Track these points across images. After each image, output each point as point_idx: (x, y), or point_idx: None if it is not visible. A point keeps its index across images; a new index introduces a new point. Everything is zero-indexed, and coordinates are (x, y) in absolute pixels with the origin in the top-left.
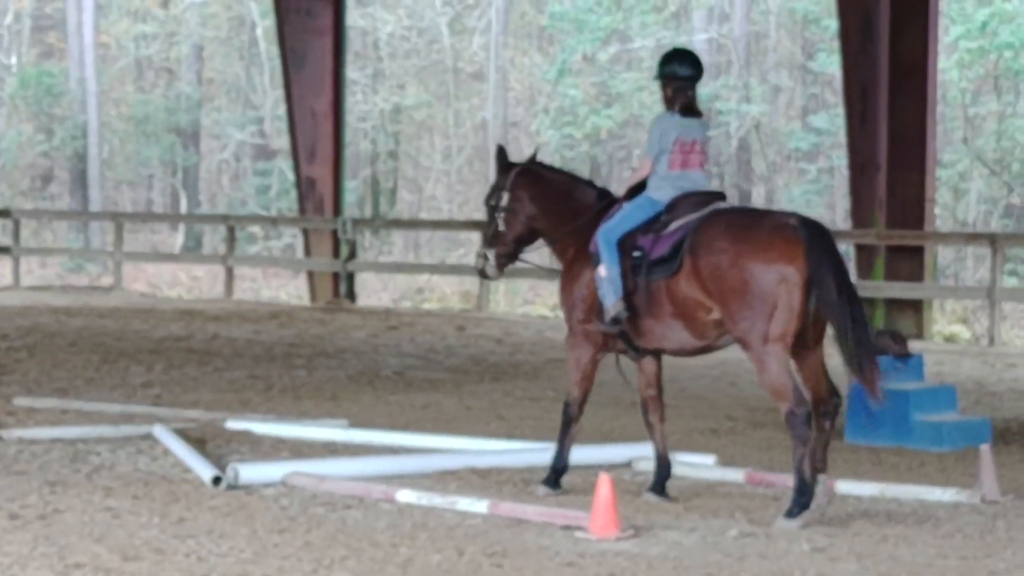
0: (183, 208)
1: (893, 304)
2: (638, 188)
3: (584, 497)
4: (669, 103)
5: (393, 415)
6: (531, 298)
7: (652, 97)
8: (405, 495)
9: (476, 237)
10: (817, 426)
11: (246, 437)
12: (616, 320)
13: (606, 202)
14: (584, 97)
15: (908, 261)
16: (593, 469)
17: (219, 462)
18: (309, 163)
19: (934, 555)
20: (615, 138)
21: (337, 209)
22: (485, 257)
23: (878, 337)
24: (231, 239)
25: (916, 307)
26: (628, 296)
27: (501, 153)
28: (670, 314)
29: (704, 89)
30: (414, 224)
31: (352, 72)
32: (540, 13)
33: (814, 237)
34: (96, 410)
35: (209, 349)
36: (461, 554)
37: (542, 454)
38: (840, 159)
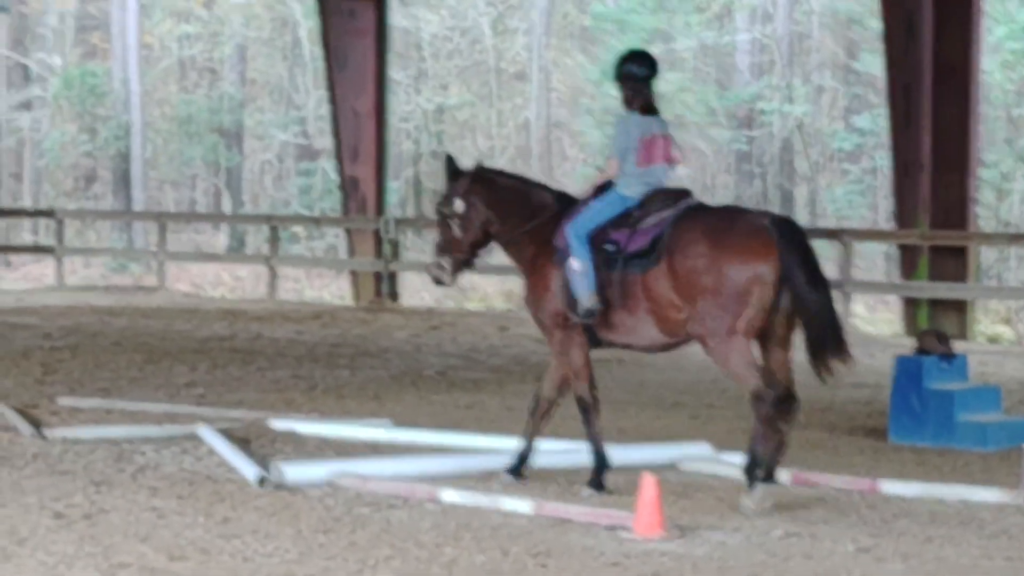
0: (226, 208)
1: (936, 304)
2: (602, 187)
3: (628, 497)
4: (628, 103)
5: (436, 415)
6: None
7: (695, 97)
8: (449, 495)
9: None
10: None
11: (290, 437)
12: (591, 312)
13: (566, 203)
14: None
15: (951, 262)
16: (637, 469)
17: (263, 462)
18: (352, 163)
19: (979, 556)
20: None
21: (380, 209)
22: (440, 266)
23: (923, 337)
24: (274, 239)
25: (959, 307)
26: (600, 289)
27: (450, 161)
28: (644, 309)
29: (748, 89)
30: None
31: (395, 72)
32: (583, 14)
33: (785, 235)
34: (140, 410)
35: (252, 349)
36: (505, 554)
37: (585, 454)
38: (883, 160)
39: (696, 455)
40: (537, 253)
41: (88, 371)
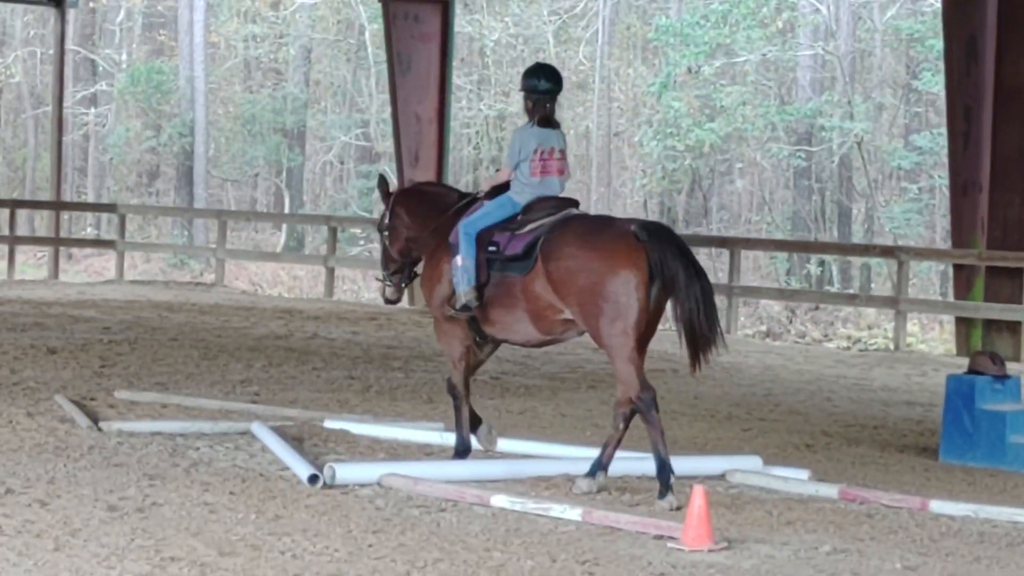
0: (286, 208)
1: (991, 325)
2: (501, 189)
3: (678, 508)
4: (530, 115)
5: (489, 420)
6: None
7: (755, 111)
8: (499, 500)
9: None
10: (616, 423)
11: (343, 437)
12: (466, 307)
13: (467, 200)
14: (688, 110)
15: (1008, 282)
16: (688, 480)
17: (316, 461)
18: (412, 167)
19: None
20: (718, 151)
21: None
22: (385, 282)
23: (976, 357)
24: (333, 240)
25: (1014, 329)
26: (481, 287)
27: (382, 181)
28: (522, 309)
29: (808, 105)
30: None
31: (458, 78)
32: (646, 25)
33: (652, 236)
34: (196, 405)
35: (308, 348)
36: (554, 560)
37: (636, 463)
38: (942, 179)
39: (746, 467)
40: (436, 247)
41: (145, 365)
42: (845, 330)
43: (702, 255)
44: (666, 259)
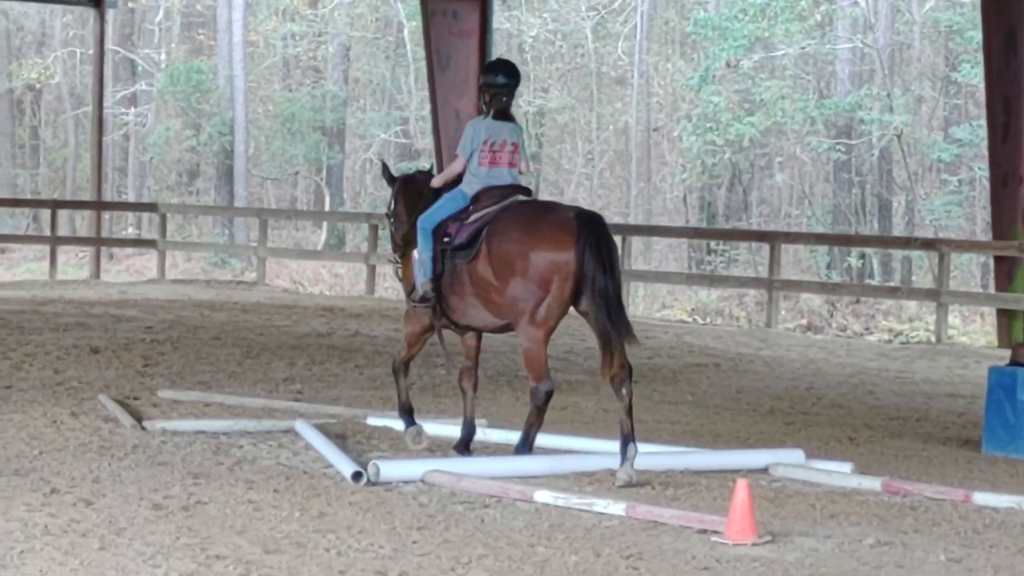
0: (327, 206)
1: None
2: (456, 181)
3: (721, 502)
4: (486, 107)
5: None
6: (670, 302)
7: (794, 105)
8: (543, 495)
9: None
10: (616, 396)
11: (386, 434)
12: (424, 298)
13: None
14: (727, 104)
15: None
16: (731, 474)
17: (360, 458)
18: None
19: None
20: (757, 145)
21: None
22: (395, 262)
23: (1018, 348)
24: (373, 237)
25: None
26: (437, 277)
27: (385, 169)
28: (471, 294)
29: (847, 98)
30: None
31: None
32: (684, 19)
33: (583, 227)
34: (239, 404)
35: (350, 346)
36: (598, 555)
37: (680, 457)
38: (982, 171)
39: (789, 461)
40: (411, 239)
41: (188, 364)
42: (886, 323)
43: (742, 249)
44: (588, 257)
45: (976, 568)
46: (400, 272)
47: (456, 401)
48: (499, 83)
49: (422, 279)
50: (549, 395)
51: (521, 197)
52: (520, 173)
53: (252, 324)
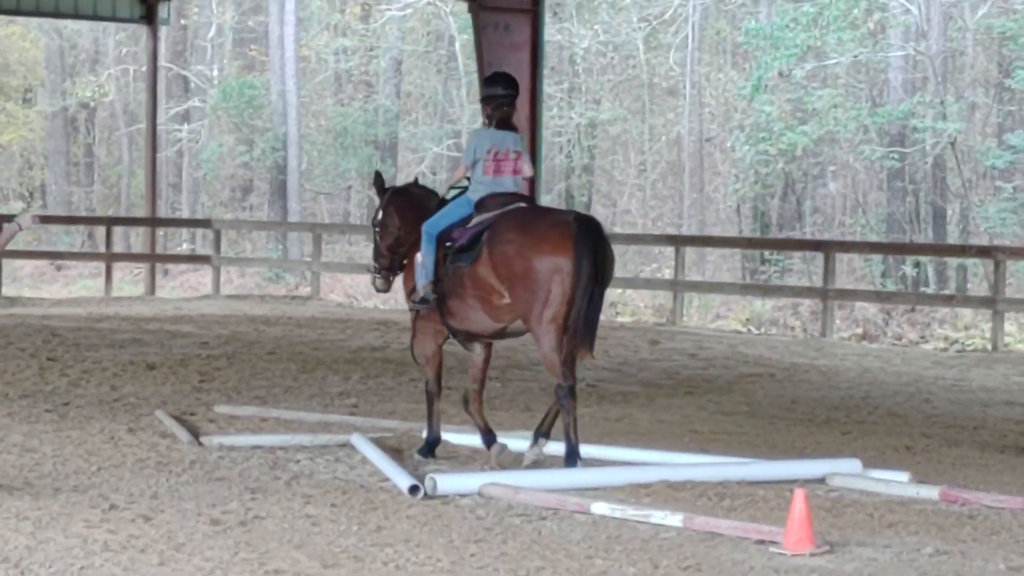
0: None
1: None
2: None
3: (779, 512)
4: (488, 118)
5: (586, 428)
6: (724, 312)
7: (847, 115)
8: (600, 507)
9: (670, 252)
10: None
11: (442, 447)
12: (424, 300)
13: (437, 203)
14: (779, 113)
15: None
16: (788, 484)
17: (416, 472)
18: None
19: None
20: (810, 155)
21: None
22: (374, 271)
23: None
24: None
25: None
26: (439, 281)
27: (378, 178)
28: (471, 296)
29: (900, 106)
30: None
31: (548, 87)
32: (736, 29)
33: (581, 231)
34: (295, 418)
35: (405, 360)
36: (656, 567)
37: (736, 468)
38: None
39: (846, 471)
40: (414, 248)
41: (244, 379)
42: (942, 331)
43: (796, 258)
44: (582, 261)
45: None
46: (378, 282)
47: (513, 414)
48: (500, 94)
49: (423, 281)
50: (571, 391)
51: (521, 204)
52: (525, 177)
53: (307, 339)
